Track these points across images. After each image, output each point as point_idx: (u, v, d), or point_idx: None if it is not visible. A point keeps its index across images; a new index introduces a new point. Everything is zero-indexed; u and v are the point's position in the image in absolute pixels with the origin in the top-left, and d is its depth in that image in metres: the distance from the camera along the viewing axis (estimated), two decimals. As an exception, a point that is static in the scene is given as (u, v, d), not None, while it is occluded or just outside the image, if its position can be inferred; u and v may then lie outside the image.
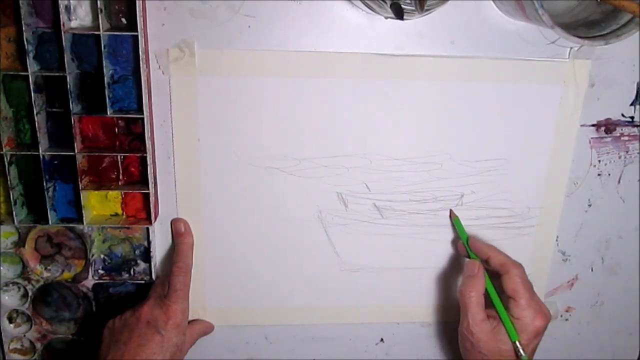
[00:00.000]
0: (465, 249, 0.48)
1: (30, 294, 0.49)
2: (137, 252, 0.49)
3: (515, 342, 0.43)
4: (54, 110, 0.44)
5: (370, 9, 0.41)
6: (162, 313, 0.45)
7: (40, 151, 0.43)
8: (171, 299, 0.45)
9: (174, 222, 0.48)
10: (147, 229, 0.47)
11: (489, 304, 0.45)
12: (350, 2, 0.43)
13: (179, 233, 0.47)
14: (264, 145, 0.46)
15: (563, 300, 0.55)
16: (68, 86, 0.41)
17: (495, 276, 0.46)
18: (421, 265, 0.51)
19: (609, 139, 0.49)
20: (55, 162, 0.45)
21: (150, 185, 0.45)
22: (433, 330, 0.54)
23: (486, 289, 0.45)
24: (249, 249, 0.49)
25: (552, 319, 0.55)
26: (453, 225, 0.49)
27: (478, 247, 0.47)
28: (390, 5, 0.35)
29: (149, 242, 0.48)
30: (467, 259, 0.47)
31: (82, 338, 0.51)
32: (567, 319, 0.56)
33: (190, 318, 0.49)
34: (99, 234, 0.48)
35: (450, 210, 0.49)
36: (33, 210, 0.46)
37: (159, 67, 0.43)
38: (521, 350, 0.43)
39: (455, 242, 0.50)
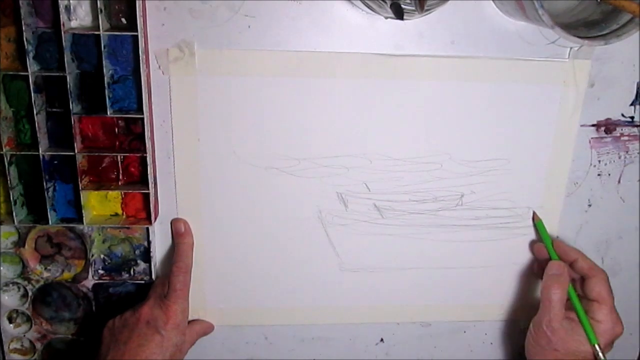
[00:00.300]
0: (548, 251, 0.48)
1: (30, 294, 0.49)
2: (137, 252, 0.49)
3: (594, 345, 0.44)
4: (54, 110, 0.44)
5: (370, 9, 0.41)
6: (161, 313, 0.45)
7: (40, 151, 0.43)
8: (171, 299, 0.45)
9: (174, 222, 0.48)
10: (147, 229, 0.47)
11: (566, 306, 0.46)
12: (350, 2, 0.43)
13: (178, 233, 0.47)
14: (264, 145, 0.46)
15: (563, 300, 0.55)
16: (68, 86, 0.41)
17: (575, 281, 0.47)
18: (421, 265, 0.51)
19: (609, 139, 0.49)
20: (55, 162, 0.45)
21: (150, 185, 0.45)
22: (433, 330, 0.54)
23: (567, 291, 0.46)
24: (249, 248, 0.49)
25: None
26: (535, 227, 0.49)
27: (565, 250, 0.47)
28: (390, 5, 0.35)
29: (149, 242, 0.48)
30: (551, 261, 0.47)
31: (82, 338, 0.51)
32: (567, 319, 0.56)
33: (190, 318, 0.49)
34: (99, 234, 0.48)
35: (534, 213, 0.49)
36: (33, 210, 0.46)
37: (159, 67, 0.43)
38: (601, 354, 0.44)
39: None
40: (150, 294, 0.47)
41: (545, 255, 0.48)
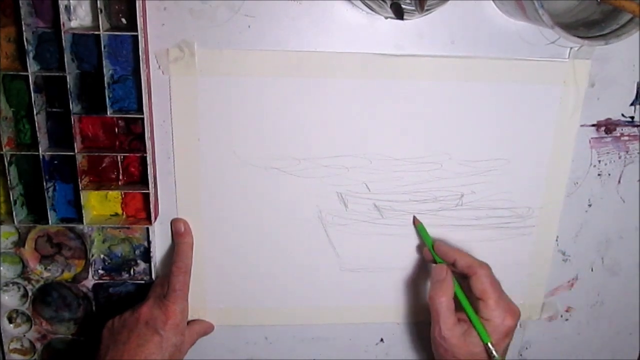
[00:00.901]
0: (431, 254, 0.47)
1: (30, 294, 0.49)
2: (137, 252, 0.49)
3: (487, 344, 0.43)
4: (54, 110, 0.44)
5: (371, 9, 0.41)
6: (161, 313, 0.45)
7: (40, 151, 0.43)
8: (170, 299, 0.45)
9: (174, 222, 0.48)
10: (147, 229, 0.47)
11: (458, 307, 0.45)
12: (350, 2, 0.43)
13: (178, 233, 0.47)
14: (264, 145, 0.46)
15: (563, 300, 0.55)
16: (68, 86, 0.41)
17: (462, 278, 0.45)
18: (421, 265, 0.51)
19: (609, 139, 0.49)
20: (55, 162, 0.45)
21: (150, 185, 0.45)
22: (433, 330, 0.54)
23: (455, 293, 0.45)
24: (249, 248, 0.49)
25: (552, 319, 0.55)
26: (417, 231, 0.49)
27: (444, 250, 0.46)
28: (391, 5, 0.35)
29: (148, 242, 0.48)
30: (434, 264, 0.47)
31: (82, 338, 0.51)
32: (567, 319, 0.56)
33: (190, 318, 0.49)
34: (99, 234, 0.48)
35: (414, 217, 0.49)
36: (33, 210, 0.46)
37: (159, 67, 0.43)
38: (494, 352, 0.43)
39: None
40: (150, 294, 0.47)
41: (430, 258, 0.48)
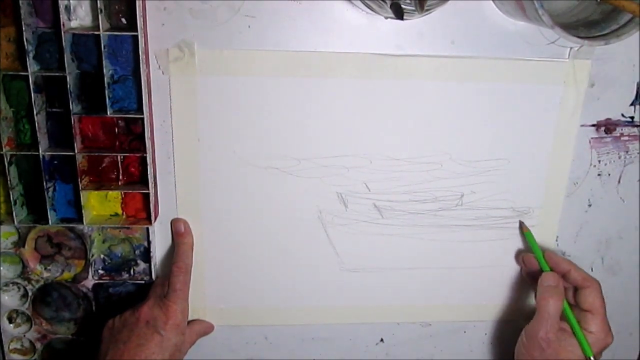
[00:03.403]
0: (539, 263, 0.48)
1: (30, 294, 0.49)
2: (137, 252, 0.49)
3: (589, 358, 0.44)
4: (54, 110, 0.44)
5: (370, 9, 0.41)
6: (161, 313, 0.45)
7: (40, 151, 0.43)
8: (171, 299, 0.45)
9: (174, 222, 0.48)
10: (147, 229, 0.47)
11: (565, 317, 0.46)
12: (350, 2, 0.43)
13: (179, 233, 0.47)
14: (264, 145, 0.46)
15: (563, 300, 0.55)
16: (68, 86, 0.41)
17: (567, 290, 0.47)
18: (421, 265, 0.51)
19: (609, 139, 0.49)
20: (55, 162, 0.45)
21: (150, 186, 0.45)
22: (433, 330, 0.54)
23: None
24: (249, 249, 0.49)
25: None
26: (524, 237, 0.49)
27: (557, 261, 0.47)
28: (390, 5, 0.35)
29: (148, 242, 0.48)
30: (544, 272, 0.47)
31: (82, 338, 0.51)
32: (567, 319, 0.56)
33: (190, 318, 0.49)
34: (99, 234, 0.48)
35: (521, 222, 0.49)
36: (33, 211, 0.46)
37: (159, 67, 0.43)
38: None
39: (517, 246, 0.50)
40: (150, 294, 0.47)
41: (535, 266, 0.48)
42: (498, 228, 0.50)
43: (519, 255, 0.50)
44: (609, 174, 0.50)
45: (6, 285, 0.49)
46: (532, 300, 0.54)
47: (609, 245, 0.53)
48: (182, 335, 0.46)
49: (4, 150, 0.43)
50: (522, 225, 0.49)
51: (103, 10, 0.41)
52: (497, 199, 0.49)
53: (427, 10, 0.36)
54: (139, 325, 0.44)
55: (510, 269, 0.52)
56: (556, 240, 0.52)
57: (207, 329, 0.51)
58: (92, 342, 0.47)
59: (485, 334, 0.55)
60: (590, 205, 0.51)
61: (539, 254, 0.48)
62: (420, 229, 0.50)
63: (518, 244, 0.51)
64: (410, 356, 0.55)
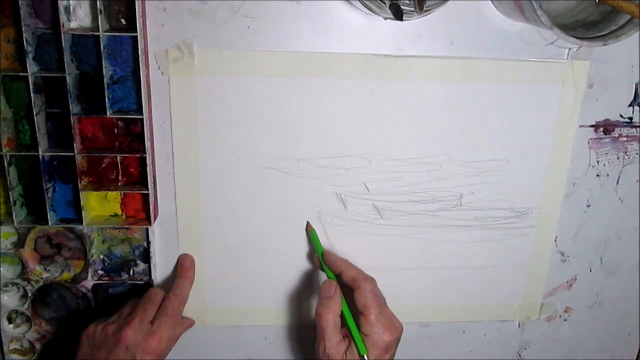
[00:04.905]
0: (320, 262, 0.47)
1: (29, 294, 0.49)
2: (136, 252, 0.49)
3: (362, 357, 0.42)
4: (54, 110, 0.44)
5: (370, 10, 0.41)
6: (143, 341, 0.43)
7: (40, 152, 0.43)
8: (160, 325, 0.44)
9: (182, 256, 0.48)
10: (147, 229, 0.47)
11: (344, 322, 0.44)
12: (350, 2, 0.43)
13: (184, 267, 0.48)
14: (264, 146, 0.46)
15: (562, 300, 0.55)
16: (67, 87, 0.42)
17: (349, 291, 0.45)
18: (421, 265, 0.51)
19: (607, 140, 0.49)
20: (55, 162, 0.45)
21: (150, 186, 0.45)
22: (433, 330, 0.54)
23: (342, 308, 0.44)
24: (248, 249, 0.49)
25: (551, 319, 0.55)
26: (309, 237, 0.48)
27: (332, 261, 0.46)
28: (390, 6, 0.35)
29: (148, 243, 0.48)
30: (324, 280, 0.46)
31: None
32: (566, 320, 0.56)
33: (191, 318, 0.49)
34: (99, 235, 0.48)
35: (307, 223, 0.48)
36: (33, 211, 0.46)
37: (159, 67, 0.43)
38: None
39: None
40: (138, 311, 0.45)
41: (320, 266, 0.47)
42: (497, 228, 0.50)
43: (314, 256, 0.49)
44: (608, 175, 0.51)
45: (6, 285, 0.49)
46: (532, 300, 0.54)
47: (608, 245, 0.53)
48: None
49: (3, 150, 0.43)
50: (307, 225, 0.48)
51: (102, 11, 0.41)
52: (496, 200, 0.50)
53: (426, 11, 0.36)
54: (118, 348, 0.43)
55: (510, 269, 0.52)
56: (555, 241, 0.52)
57: (187, 326, 0.49)
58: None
59: (485, 334, 0.55)
60: (589, 206, 0.51)
61: (319, 253, 0.47)
62: (419, 229, 0.50)
63: (517, 244, 0.51)
64: (410, 356, 0.55)
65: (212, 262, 0.49)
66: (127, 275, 0.49)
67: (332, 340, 0.43)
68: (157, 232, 0.48)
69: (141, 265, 0.49)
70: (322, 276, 0.51)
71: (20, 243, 0.48)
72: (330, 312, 0.43)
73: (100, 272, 0.49)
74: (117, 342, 0.43)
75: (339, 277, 0.45)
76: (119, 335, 0.43)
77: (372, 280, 0.45)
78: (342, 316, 0.44)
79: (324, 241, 0.49)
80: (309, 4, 0.43)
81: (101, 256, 0.49)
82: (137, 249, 0.48)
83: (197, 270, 0.49)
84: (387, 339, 0.43)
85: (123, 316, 0.45)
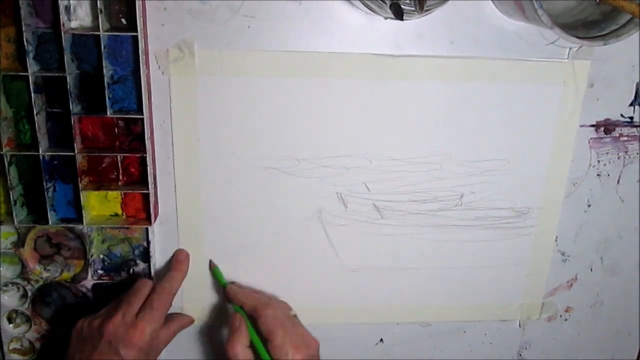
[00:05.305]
0: (225, 296, 0.47)
1: (29, 294, 0.49)
2: (136, 252, 0.49)
3: None
4: (54, 110, 0.44)
5: (370, 10, 0.41)
6: (126, 335, 0.42)
7: (40, 151, 0.43)
8: (144, 317, 0.43)
9: (177, 251, 0.48)
10: (146, 229, 0.47)
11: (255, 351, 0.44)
12: (350, 2, 0.43)
13: (178, 260, 0.48)
14: (264, 146, 0.46)
15: (562, 300, 0.55)
16: (68, 86, 0.41)
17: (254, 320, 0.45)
18: (421, 265, 0.51)
19: (608, 139, 0.49)
20: (55, 162, 0.45)
21: (150, 186, 0.45)
22: (433, 330, 0.54)
23: (251, 339, 0.44)
24: (248, 248, 0.49)
25: (552, 319, 0.55)
26: (213, 274, 0.49)
27: (232, 294, 0.47)
28: (390, 6, 0.35)
29: (148, 242, 0.48)
30: (232, 312, 0.46)
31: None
32: (566, 319, 0.56)
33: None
34: (98, 234, 0.48)
35: (210, 261, 0.49)
36: (33, 211, 0.46)
37: (159, 67, 0.43)
38: None
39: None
40: (123, 304, 0.44)
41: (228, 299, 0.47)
42: (498, 228, 0.50)
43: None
44: (609, 174, 0.51)
45: (6, 285, 0.49)
46: (532, 300, 0.54)
47: (609, 245, 0.53)
48: (146, 355, 0.43)
49: (4, 150, 0.43)
50: (210, 263, 0.49)
51: (103, 11, 0.41)
52: (497, 199, 0.49)
53: (427, 10, 0.36)
54: (102, 342, 0.42)
55: (510, 269, 0.52)
56: (555, 241, 0.52)
57: (186, 324, 0.49)
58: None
59: (485, 334, 0.55)
60: (589, 206, 0.51)
61: (223, 286, 0.48)
62: (420, 229, 0.50)
63: (518, 244, 0.51)
64: (410, 356, 0.55)
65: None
66: (127, 275, 0.49)
67: None
68: (157, 231, 0.48)
69: (141, 265, 0.49)
70: (324, 275, 0.51)
71: (20, 243, 0.48)
72: (239, 343, 0.43)
73: (100, 271, 0.49)
74: (101, 336, 0.42)
75: (243, 308, 0.46)
76: (102, 330, 0.42)
77: (273, 305, 0.45)
78: (253, 346, 0.44)
79: (324, 240, 0.49)
80: (309, 4, 0.43)
81: (101, 256, 0.49)
82: (136, 249, 0.48)
83: (197, 270, 0.49)
84: (299, 358, 0.43)
85: (109, 310, 0.45)
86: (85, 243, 0.47)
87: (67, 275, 0.49)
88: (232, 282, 0.49)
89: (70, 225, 0.46)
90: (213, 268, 0.49)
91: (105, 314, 0.44)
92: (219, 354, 0.53)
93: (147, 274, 0.49)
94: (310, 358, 0.44)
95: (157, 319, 0.44)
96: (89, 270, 0.48)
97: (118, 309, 0.43)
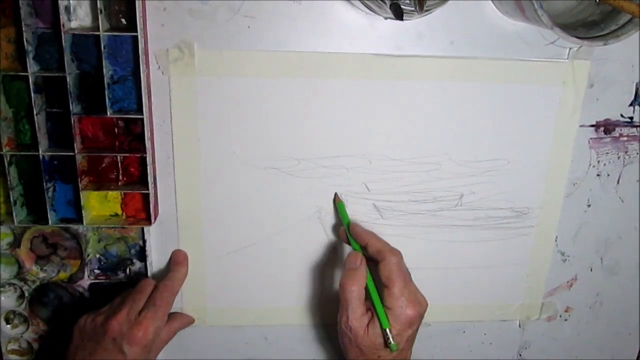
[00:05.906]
0: (345, 234, 0.46)
1: (26, 294, 0.49)
2: (132, 251, 0.48)
3: (385, 330, 0.41)
4: (54, 110, 0.44)
5: (370, 10, 0.41)
6: (130, 332, 0.42)
7: (40, 151, 0.43)
8: (147, 315, 0.43)
9: (175, 252, 0.48)
10: (142, 228, 0.47)
11: (368, 295, 0.43)
12: (350, 2, 0.43)
13: (176, 262, 0.48)
14: (264, 146, 0.46)
15: (562, 300, 0.55)
16: (68, 86, 0.41)
17: (374, 264, 0.44)
18: (421, 265, 0.51)
19: (608, 140, 0.49)
20: (55, 162, 0.45)
21: (150, 186, 0.45)
22: (433, 330, 0.54)
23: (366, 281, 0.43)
24: (248, 248, 0.49)
25: (552, 319, 0.55)
26: (336, 209, 0.48)
27: (358, 232, 0.45)
28: (390, 6, 0.35)
29: (144, 241, 0.48)
30: (350, 251, 0.45)
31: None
32: (566, 319, 0.56)
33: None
34: (94, 234, 0.48)
35: (335, 194, 0.47)
36: (33, 211, 0.46)
37: (159, 67, 0.43)
38: (390, 339, 0.41)
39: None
40: (127, 300, 0.44)
41: (345, 238, 0.46)
42: (497, 228, 0.50)
43: (340, 229, 0.48)
44: (608, 175, 0.51)
45: (3, 286, 0.49)
46: (532, 300, 0.54)
47: (608, 245, 0.53)
48: (148, 353, 0.43)
49: (4, 150, 0.43)
50: (336, 197, 0.47)
51: (103, 11, 0.41)
52: (497, 199, 0.50)
53: (427, 10, 0.36)
54: (106, 339, 0.42)
55: (510, 269, 0.52)
56: (555, 241, 0.52)
57: (186, 323, 0.49)
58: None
59: (485, 334, 0.55)
60: (589, 206, 0.51)
61: (346, 224, 0.47)
62: (419, 229, 0.50)
63: (518, 244, 0.51)
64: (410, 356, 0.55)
65: (212, 261, 0.49)
66: (123, 274, 0.49)
67: (356, 312, 0.42)
68: (154, 230, 0.48)
69: (137, 264, 0.49)
70: (324, 275, 0.51)
71: (16, 243, 0.47)
72: (355, 283, 0.42)
73: (97, 271, 0.49)
74: (105, 333, 0.42)
75: (364, 249, 0.45)
76: (106, 326, 0.43)
77: (397, 253, 0.44)
78: (366, 289, 0.43)
79: (325, 241, 0.49)
80: (309, 4, 0.43)
81: (97, 255, 0.48)
82: (133, 248, 0.48)
83: (197, 270, 0.48)
84: (411, 313, 0.42)
85: (113, 307, 0.45)
86: (81, 243, 0.47)
87: (63, 275, 0.49)
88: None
89: (71, 225, 0.46)
90: (338, 203, 0.47)
91: (109, 311, 0.44)
92: (219, 354, 0.53)
93: (144, 273, 0.49)
94: (420, 316, 0.43)
95: (160, 317, 0.44)
96: (86, 269, 0.48)
97: (122, 307, 0.44)
